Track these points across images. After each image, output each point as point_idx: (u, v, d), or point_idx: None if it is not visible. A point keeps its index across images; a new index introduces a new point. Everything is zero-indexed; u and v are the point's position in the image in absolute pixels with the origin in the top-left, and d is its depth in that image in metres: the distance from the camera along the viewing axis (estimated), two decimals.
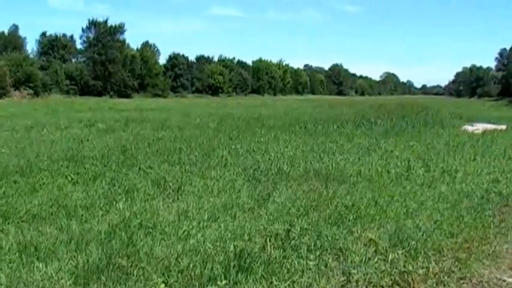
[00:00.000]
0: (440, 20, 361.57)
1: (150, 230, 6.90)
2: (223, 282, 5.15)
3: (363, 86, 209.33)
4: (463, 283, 5.63)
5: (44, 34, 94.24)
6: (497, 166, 12.97)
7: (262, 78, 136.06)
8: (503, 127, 26.25)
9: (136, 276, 5.31)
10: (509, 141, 19.04)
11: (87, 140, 17.62)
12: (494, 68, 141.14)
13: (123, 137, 18.77)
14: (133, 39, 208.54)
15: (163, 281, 5.15)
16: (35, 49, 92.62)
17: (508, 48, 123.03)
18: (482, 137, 20.70)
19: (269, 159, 13.32)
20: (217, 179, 10.66)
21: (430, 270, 5.74)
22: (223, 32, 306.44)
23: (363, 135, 20.38)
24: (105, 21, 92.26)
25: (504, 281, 5.75)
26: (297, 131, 22.27)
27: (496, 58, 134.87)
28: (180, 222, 7.28)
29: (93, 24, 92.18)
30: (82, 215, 7.76)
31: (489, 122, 29.83)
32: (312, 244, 6.35)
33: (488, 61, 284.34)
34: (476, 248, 6.62)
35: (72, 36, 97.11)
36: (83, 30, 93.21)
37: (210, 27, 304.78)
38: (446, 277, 5.63)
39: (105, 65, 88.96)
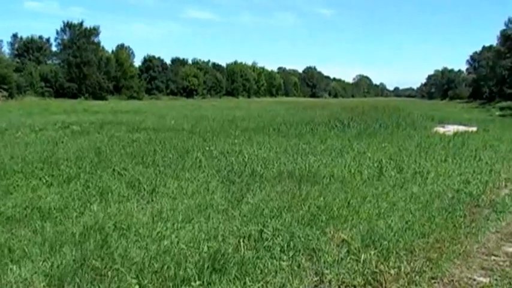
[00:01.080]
0: (413, 24, 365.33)
1: (125, 232, 6.85)
2: (197, 283, 5.15)
3: (336, 89, 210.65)
4: (435, 282, 5.69)
5: (15, 36, 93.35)
6: (468, 167, 13.14)
7: (236, 81, 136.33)
8: (474, 129, 26.67)
9: (111, 277, 5.27)
10: (479, 143, 19.32)
11: (62, 142, 17.45)
12: (465, 71, 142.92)
13: (98, 139, 18.63)
14: (109, 42, 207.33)
15: (137, 283, 5.13)
16: (7, 51, 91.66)
17: (478, 51, 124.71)
18: (453, 138, 20.97)
19: (243, 160, 13.33)
20: (192, 180, 10.64)
21: (402, 270, 5.79)
22: (198, 35, 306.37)
23: (336, 137, 20.49)
24: (80, 24, 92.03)
25: (474, 280, 5.83)
26: (271, 133, 22.32)
27: (467, 61, 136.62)
28: (154, 224, 7.25)
29: (68, 26, 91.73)
30: (56, 217, 7.69)
31: (460, 124, 30.30)
32: (285, 245, 6.36)
33: (460, 64, 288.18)
34: (447, 248, 6.70)
35: (48, 39, 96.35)
36: (57, 32, 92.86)
37: (185, 30, 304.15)
38: (417, 277, 5.68)
39: (80, 67, 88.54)
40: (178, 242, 6.35)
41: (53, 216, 7.75)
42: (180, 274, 5.35)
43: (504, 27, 65.56)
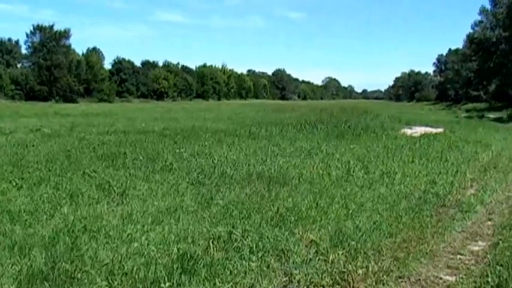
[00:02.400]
0: (380, 26, 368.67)
1: (95, 234, 6.80)
2: (167, 284, 5.17)
3: (306, 91, 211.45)
4: (402, 281, 5.77)
5: None
6: (434, 168, 13.35)
7: (206, 83, 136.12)
8: (441, 130, 27.04)
9: (81, 280, 5.25)
10: (446, 144, 19.62)
11: (32, 145, 17.21)
12: (432, 73, 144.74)
13: (69, 142, 18.43)
14: (79, 44, 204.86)
15: (107, 285, 5.13)
16: None
17: (445, 53, 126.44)
18: (420, 139, 21.24)
19: (213, 162, 13.33)
20: (162, 182, 10.60)
21: (370, 269, 5.86)
22: (168, 38, 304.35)
23: (305, 139, 20.58)
24: (51, 27, 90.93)
25: (441, 278, 5.93)
26: (241, 135, 22.33)
27: (434, 64, 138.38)
28: (124, 226, 7.21)
29: (38, 29, 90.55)
30: (26, 220, 7.57)
31: (427, 126, 30.68)
32: (254, 246, 6.39)
33: (427, 66, 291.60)
34: (414, 248, 6.81)
35: (17, 41, 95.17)
36: (27, 35, 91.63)
37: (155, 32, 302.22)
38: (385, 276, 5.76)
39: (50, 70, 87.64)
40: (148, 244, 6.34)
41: (22, 219, 7.64)
42: (150, 276, 5.35)
43: (471, 31, 66.50)
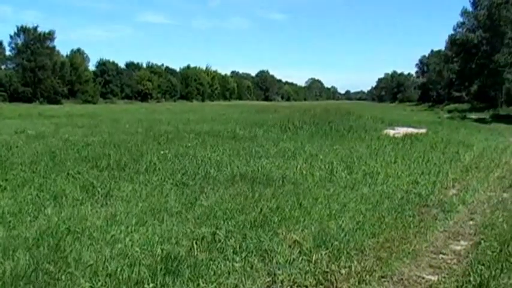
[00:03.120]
0: (363, 28, 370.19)
1: (78, 235, 6.77)
2: (151, 285, 5.17)
3: (289, 92, 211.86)
4: (384, 281, 5.81)
5: None
6: (416, 168, 13.44)
7: (190, 85, 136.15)
8: (423, 131, 27.19)
9: (64, 281, 5.23)
10: (428, 144, 19.76)
11: (17, 147, 17.06)
12: (414, 74, 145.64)
13: (53, 143, 18.30)
14: (63, 46, 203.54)
15: (90, 286, 5.12)
16: None
17: (427, 55, 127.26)
18: (403, 140, 21.36)
19: (196, 163, 13.32)
20: (146, 183, 10.58)
21: (353, 269, 5.90)
22: (152, 39, 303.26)
23: (288, 140, 20.63)
24: (35, 28, 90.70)
25: (423, 278, 5.98)
26: (225, 136, 22.33)
27: (417, 64, 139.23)
28: (108, 227, 7.19)
29: (22, 30, 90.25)
30: (10, 222, 7.52)
31: (410, 126, 30.86)
32: (238, 246, 6.41)
33: (409, 68, 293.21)
34: (397, 247, 6.86)
35: (1, 43, 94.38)
36: (11, 37, 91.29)
37: (138, 34, 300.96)
38: (368, 276, 5.80)
39: (34, 72, 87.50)
40: (132, 245, 6.33)
41: (6, 220, 7.58)
42: (134, 277, 5.34)
43: (453, 32, 66.94)
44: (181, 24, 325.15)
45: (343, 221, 7.81)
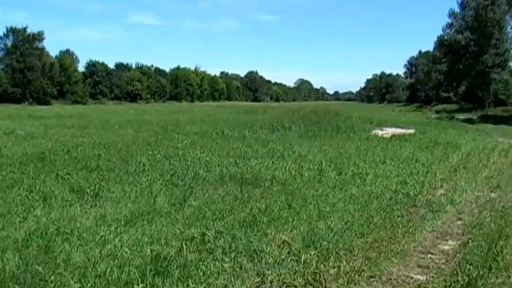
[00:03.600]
0: (352, 29, 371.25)
1: (68, 236, 6.76)
2: (140, 286, 5.18)
3: (278, 93, 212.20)
4: (373, 281, 5.84)
5: None
6: (405, 168, 13.49)
7: (180, 85, 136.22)
8: (412, 131, 27.27)
9: (54, 282, 5.21)
10: (416, 145, 19.84)
11: (6, 147, 17.02)
12: (403, 75, 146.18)
13: (42, 144, 18.27)
14: (52, 47, 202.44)
15: (80, 287, 5.11)
16: None
17: (415, 56, 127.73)
18: (391, 140, 21.44)
19: (186, 164, 13.30)
20: (135, 184, 10.56)
21: (342, 269, 5.92)
22: (142, 40, 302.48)
23: (277, 140, 20.64)
24: (24, 29, 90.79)
25: (412, 278, 6.01)
26: (214, 137, 22.34)
27: (405, 65, 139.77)
28: (97, 228, 7.17)
29: (11, 31, 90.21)
30: None
31: (398, 127, 30.89)
32: (227, 247, 6.42)
33: (398, 68, 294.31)
34: (386, 247, 6.89)
35: None
36: (0, 38, 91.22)
37: (128, 34, 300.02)
38: (357, 276, 5.82)
39: (24, 73, 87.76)
40: (121, 246, 6.32)
41: None
42: (123, 277, 5.34)
43: (441, 33, 67.29)
44: (170, 25, 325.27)
45: (332, 221, 7.84)
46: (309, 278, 5.68)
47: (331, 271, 5.85)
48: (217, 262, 5.90)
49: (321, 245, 6.61)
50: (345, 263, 6.12)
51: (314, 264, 6.01)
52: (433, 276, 6.00)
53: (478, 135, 27.45)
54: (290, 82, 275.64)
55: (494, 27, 56.88)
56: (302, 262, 6.06)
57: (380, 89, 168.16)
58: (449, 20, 65.25)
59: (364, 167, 13.43)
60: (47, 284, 5.19)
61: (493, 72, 58.44)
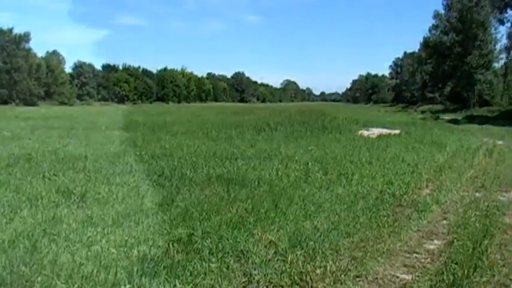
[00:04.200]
0: (337, 29, 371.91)
1: (54, 237, 6.72)
2: (127, 286, 5.17)
3: (264, 93, 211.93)
4: (359, 280, 5.87)
5: None
6: (390, 168, 13.56)
7: (166, 87, 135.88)
8: (397, 131, 27.42)
9: (40, 283, 5.19)
10: (402, 145, 19.94)
11: None
12: (388, 76, 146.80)
13: (29, 145, 18.15)
14: (39, 47, 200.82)
15: None
16: None
17: (401, 56, 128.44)
18: (377, 141, 21.55)
19: (173, 164, 13.28)
20: (122, 185, 10.53)
21: (328, 269, 5.95)
22: (128, 41, 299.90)
23: (264, 141, 20.69)
24: (10, 30, 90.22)
25: (397, 277, 6.05)
26: (200, 138, 22.32)
27: (390, 66, 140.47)
28: (84, 229, 7.15)
29: None
30: None
31: (384, 127, 31.07)
32: (214, 247, 6.43)
33: (383, 69, 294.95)
34: (372, 247, 6.93)
35: None
36: None
37: (115, 36, 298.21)
38: (343, 275, 5.86)
39: (10, 74, 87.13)
40: (108, 247, 6.31)
41: None
42: (110, 278, 5.33)
43: (427, 34, 67.82)
44: (157, 26, 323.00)
45: (318, 222, 7.87)
46: (296, 277, 5.70)
47: (318, 271, 5.87)
48: (204, 262, 5.91)
49: (307, 245, 6.64)
50: (331, 262, 6.15)
51: (300, 264, 6.03)
52: (418, 276, 6.05)
53: (463, 136, 27.64)
54: (276, 83, 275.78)
55: (478, 28, 57.47)
56: (288, 262, 6.08)
57: (366, 90, 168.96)
58: (434, 21, 65.81)
59: (350, 167, 13.47)
60: (33, 285, 5.17)
61: (477, 72, 58.98)
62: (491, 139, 26.22)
